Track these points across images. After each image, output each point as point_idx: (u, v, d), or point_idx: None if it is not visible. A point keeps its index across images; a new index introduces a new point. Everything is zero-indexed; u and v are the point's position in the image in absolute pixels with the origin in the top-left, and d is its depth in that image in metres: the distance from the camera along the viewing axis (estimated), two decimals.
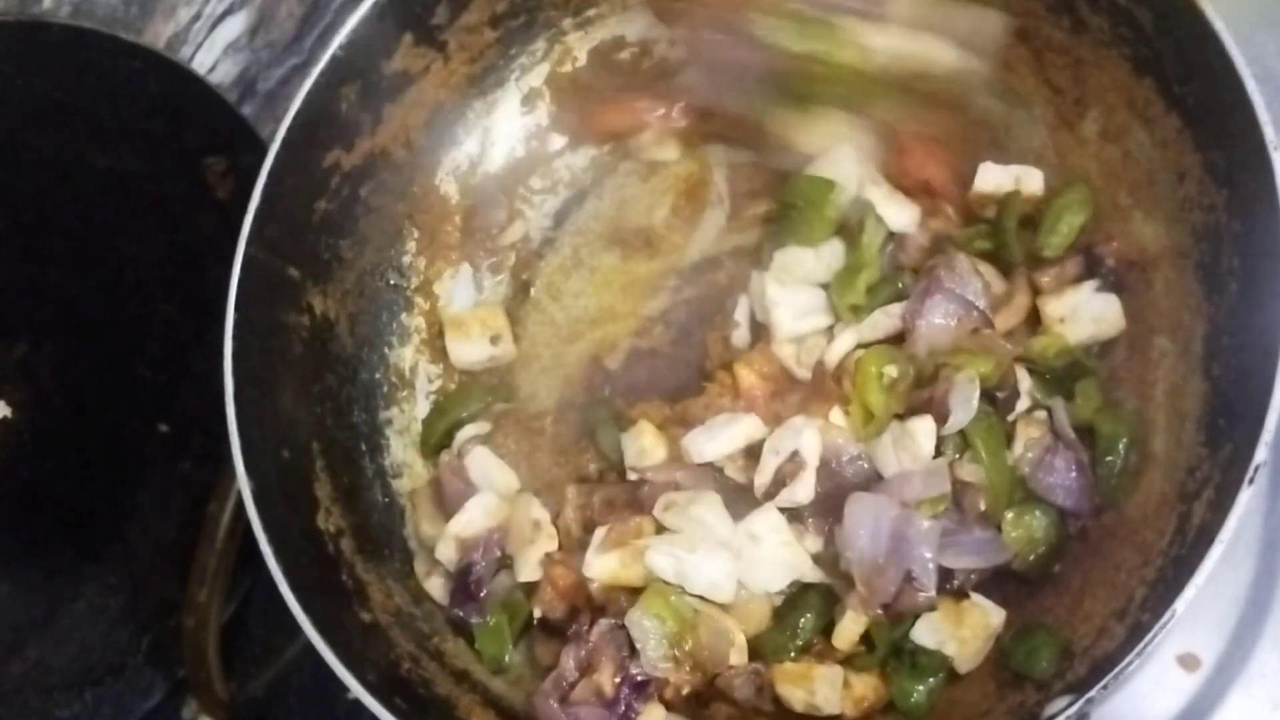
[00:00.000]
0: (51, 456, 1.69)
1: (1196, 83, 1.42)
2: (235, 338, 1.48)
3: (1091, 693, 1.28)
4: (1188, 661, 1.59)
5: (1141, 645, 1.27)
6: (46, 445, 1.68)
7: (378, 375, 1.71)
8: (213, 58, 1.89)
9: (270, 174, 1.53)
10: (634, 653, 1.49)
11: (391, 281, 1.75)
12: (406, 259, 1.76)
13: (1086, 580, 1.47)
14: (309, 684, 1.70)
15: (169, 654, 1.72)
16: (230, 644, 1.60)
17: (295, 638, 1.51)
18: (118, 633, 1.74)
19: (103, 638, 1.73)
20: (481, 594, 1.57)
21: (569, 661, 1.51)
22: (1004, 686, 1.45)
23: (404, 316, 1.76)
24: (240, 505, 1.45)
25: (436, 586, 1.62)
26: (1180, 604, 1.26)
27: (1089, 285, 1.53)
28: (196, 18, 1.82)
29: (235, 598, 1.69)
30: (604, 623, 1.50)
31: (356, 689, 1.37)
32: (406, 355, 1.75)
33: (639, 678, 1.47)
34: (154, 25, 1.76)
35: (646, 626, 1.47)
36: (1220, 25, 1.37)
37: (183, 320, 1.76)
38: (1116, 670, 1.27)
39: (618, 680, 1.47)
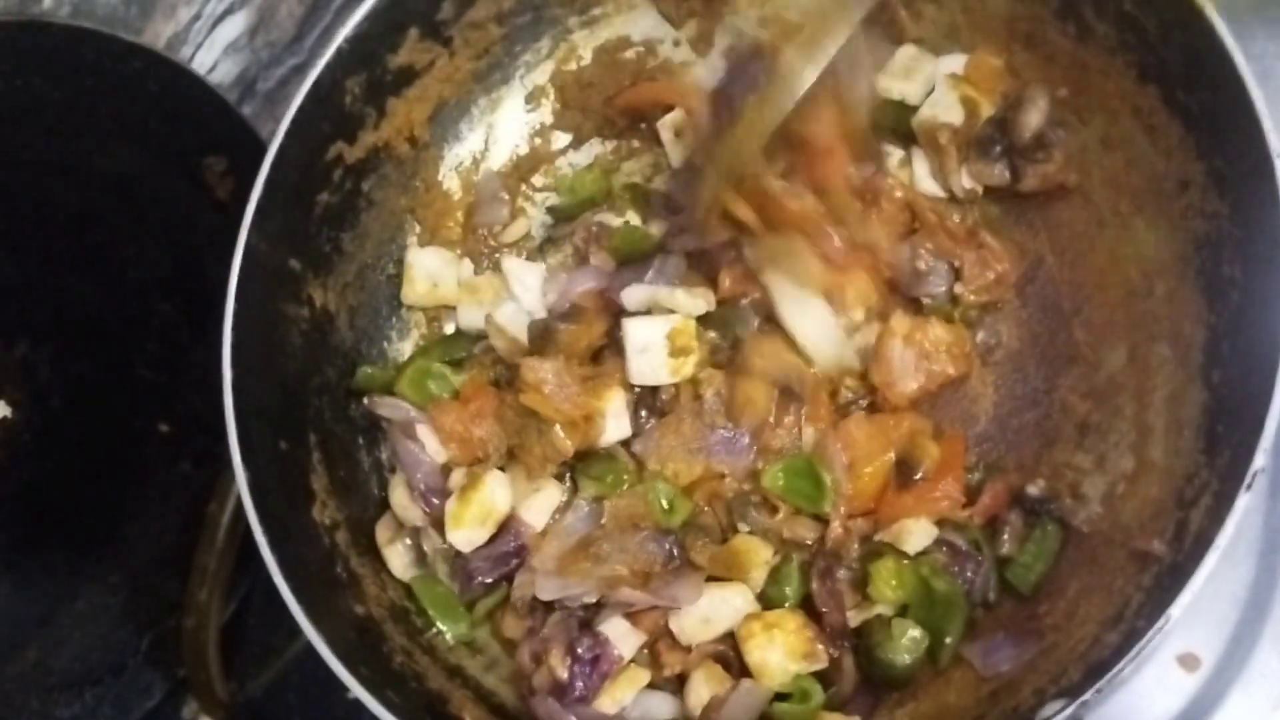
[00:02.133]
0: (51, 456, 1.68)
1: (1200, 90, 1.42)
2: (235, 328, 1.48)
3: (1085, 697, 1.29)
4: (1188, 661, 1.59)
5: (1135, 651, 1.27)
6: (46, 445, 1.67)
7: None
8: (213, 58, 1.88)
9: (273, 165, 1.53)
10: (582, 631, 1.52)
11: (392, 275, 1.75)
12: (408, 253, 1.75)
13: (1083, 585, 1.47)
14: (309, 684, 1.70)
15: (169, 654, 1.73)
16: (230, 644, 1.61)
17: (295, 638, 1.51)
18: (118, 633, 1.75)
19: (103, 638, 1.74)
20: None
21: (525, 657, 1.54)
22: (998, 691, 1.45)
23: (404, 310, 1.76)
24: (240, 505, 1.45)
25: (397, 555, 1.62)
26: (1175, 610, 1.27)
27: None
28: (196, 18, 1.81)
29: (235, 598, 1.70)
30: (556, 614, 1.54)
31: (350, 682, 1.38)
32: (406, 349, 1.76)
33: (588, 655, 1.50)
34: (154, 25, 1.75)
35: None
36: (1225, 33, 1.36)
37: (183, 320, 1.76)
38: (1110, 675, 1.28)
39: (569, 661, 1.50)
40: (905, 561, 1.51)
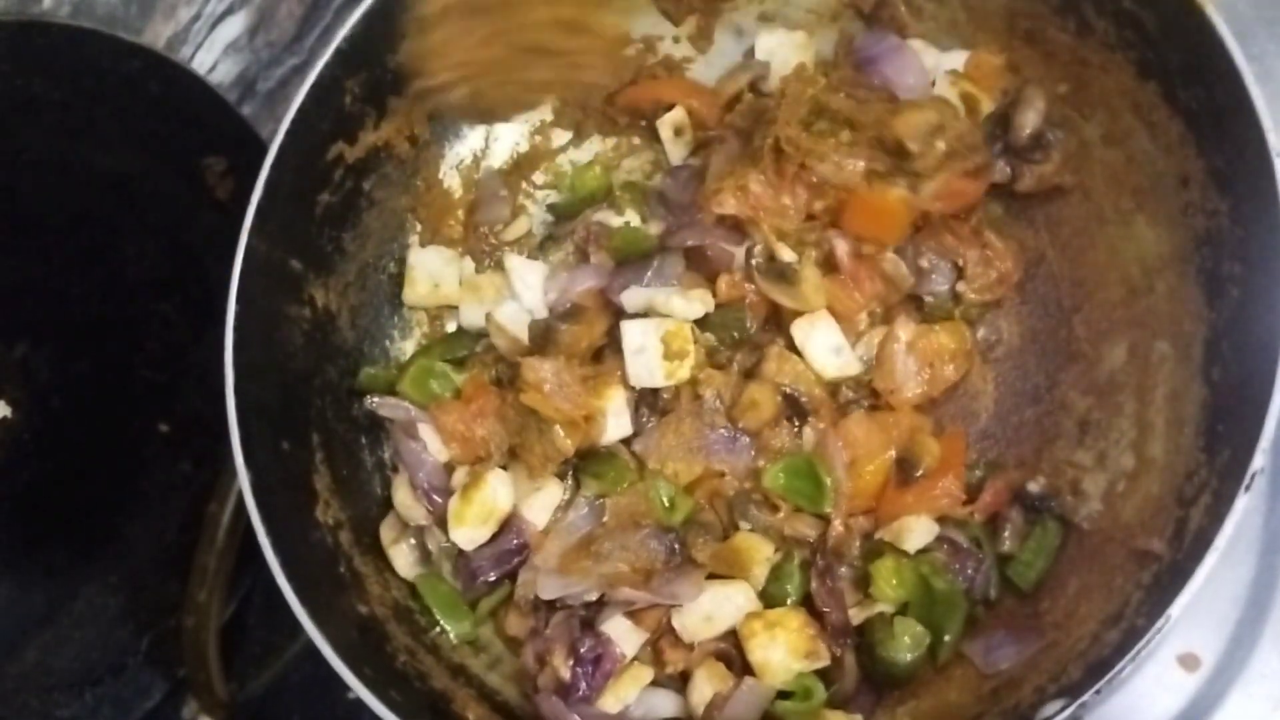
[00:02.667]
0: (51, 456, 1.69)
1: (1200, 87, 1.42)
2: (237, 329, 1.48)
3: (1085, 697, 1.29)
4: (1188, 661, 1.60)
5: (1136, 650, 1.27)
6: (46, 445, 1.68)
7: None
8: (213, 58, 1.88)
9: (273, 166, 1.52)
10: (584, 630, 1.52)
11: (394, 274, 1.75)
12: (409, 252, 1.75)
13: (1083, 584, 1.48)
14: (309, 684, 1.71)
15: (169, 654, 1.73)
16: (230, 644, 1.61)
17: (295, 638, 1.51)
18: (118, 633, 1.75)
19: (103, 638, 1.74)
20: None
21: (529, 657, 1.55)
22: (998, 689, 1.45)
23: (405, 309, 1.76)
24: (240, 505, 1.45)
25: (401, 555, 1.63)
26: (1175, 609, 1.27)
27: None
28: (196, 18, 1.82)
29: (235, 598, 1.70)
30: (558, 613, 1.55)
31: (353, 682, 1.38)
32: (408, 348, 1.76)
33: (590, 655, 1.50)
34: (154, 25, 1.76)
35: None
36: (1225, 30, 1.36)
37: (183, 320, 1.77)
38: (1110, 675, 1.28)
39: (571, 661, 1.50)
40: (905, 560, 1.51)
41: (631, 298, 1.60)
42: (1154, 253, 1.51)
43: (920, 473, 1.54)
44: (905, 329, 1.58)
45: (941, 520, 1.53)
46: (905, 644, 1.48)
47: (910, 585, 1.50)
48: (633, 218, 1.74)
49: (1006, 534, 1.53)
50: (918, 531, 1.51)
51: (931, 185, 1.56)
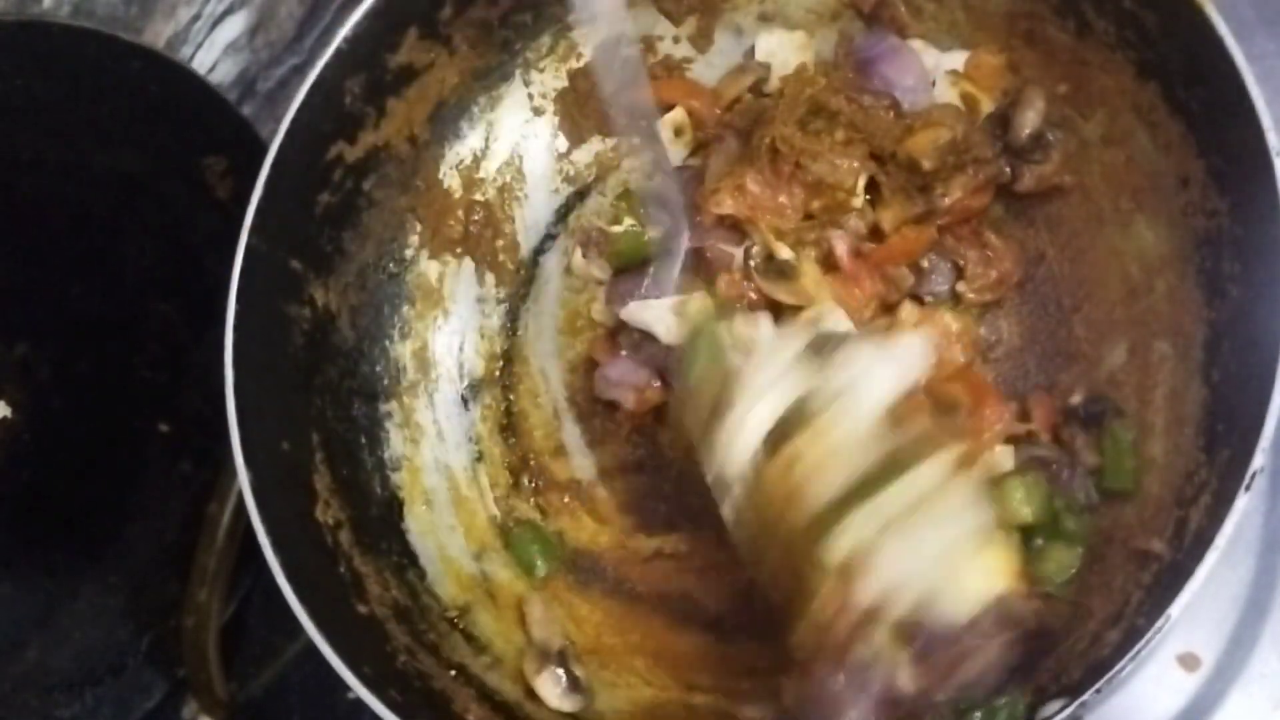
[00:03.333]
0: (51, 456, 1.68)
1: (1200, 87, 1.42)
2: (236, 329, 1.48)
3: (1085, 696, 1.29)
4: (1188, 661, 1.59)
5: (1136, 650, 1.27)
6: (46, 445, 1.67)
7: (378, 368, 1.71)
8: (213, 58, 1.88)
9: (273, 165, 1.53)
10: None
11: (394, 274, 1.74)
12: (409, 252, 1.75)
13: (1083, 584, 1.47)
14: (309, 684, 1.71)
15: (169, 654, 1.72)
16: (230, 644, 1.61)
17: (295, 638, 1.51)
18: (118, 633, 1.75)
19: (103, 638, 1.74)
20: None
21: None
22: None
23: (405, 310, 1.76)
24: (240, 505, 1.45)
25: (547, 684, 1.58)
26: (1175, 609, 1.26)
27: None
28: (196, 18, 1.82)
29: (235, 598, 1.70)
30: None
31: (352, 682, 1.38)
32: (407, 349, 1.75)
33: None
34: (154, 25, 1.76)
35: None
36: (1225, 30, 1.36)
37: (183, 320, 1.76)
38: (1110, 675, 1.28)
39: None
40: (1023, 477, 1.49)
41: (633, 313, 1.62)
42: (1154, 253, 1.51)
43: (960, 414, 1.53)
44: (910, 313, 1.58)
45: (1015, 446, 1.52)
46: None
47: (1038, 502, 1.48)
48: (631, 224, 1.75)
49: (1079, 446, 1.53)
50: (1002, 457, 1.51)
51: (947, 202, 1.57)
